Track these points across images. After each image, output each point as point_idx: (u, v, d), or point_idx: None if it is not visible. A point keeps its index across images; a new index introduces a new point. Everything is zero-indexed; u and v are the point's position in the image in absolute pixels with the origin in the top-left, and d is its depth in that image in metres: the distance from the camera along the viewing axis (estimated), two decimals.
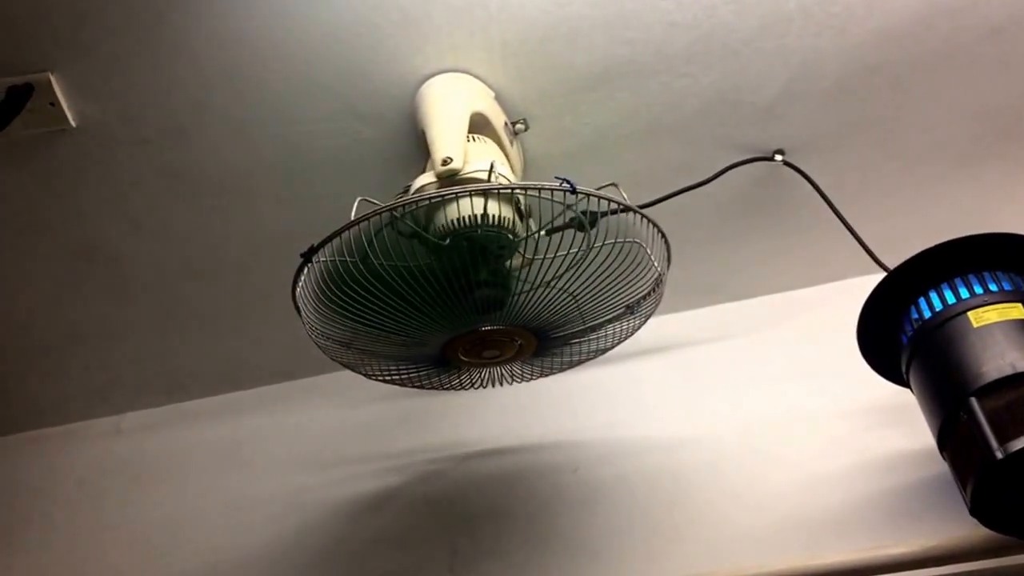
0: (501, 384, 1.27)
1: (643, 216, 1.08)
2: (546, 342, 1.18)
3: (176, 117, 1.31)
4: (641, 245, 1.09)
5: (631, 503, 1.38)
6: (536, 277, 1.07)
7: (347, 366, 1.19)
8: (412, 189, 1.13)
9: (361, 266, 1.03)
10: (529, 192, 1.05)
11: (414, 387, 1.24)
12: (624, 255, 1.08)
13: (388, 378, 1.22)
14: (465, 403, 1.38)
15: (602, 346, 1.25)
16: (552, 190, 1.03)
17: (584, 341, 1.22)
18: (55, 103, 1.28)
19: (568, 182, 1.03)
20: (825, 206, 1.35)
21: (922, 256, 1.17)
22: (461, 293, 1.06)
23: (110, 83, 1.28)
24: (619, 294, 1.13)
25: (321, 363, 1.20)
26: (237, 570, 1.46)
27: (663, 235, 1.10)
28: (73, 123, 1.30)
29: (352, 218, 1.02)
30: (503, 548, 1.38)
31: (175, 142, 1.33)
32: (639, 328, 1.23)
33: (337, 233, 1.03)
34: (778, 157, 1.37)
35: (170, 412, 1.69)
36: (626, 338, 1.24)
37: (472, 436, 1.49)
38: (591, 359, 1.27)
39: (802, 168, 1.36)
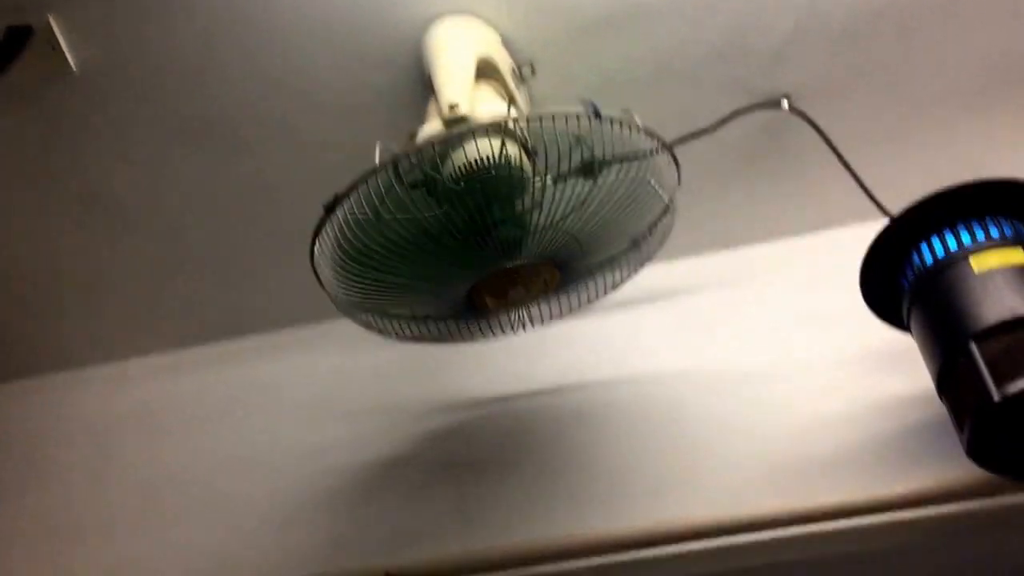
0: (522, 329, 1.27)
1: (661, 142, 1.08)
2: (569, 275, 1.18)
3: (180, 62, 1.30)
4: (649, 182, 1.10)
5: (633, 448, 1.39)
6: (552, 213, 1.07)
7: (368, 327, 1.20)
8: (419, 137, 1.12)
9: (392, 207, 1.02)
10: (556, 118, 1.03)
11: (433, 343, 1.24)
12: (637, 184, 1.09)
13: (410, 334, 1.22)
14: (471, 350, 1.38)
15: (622, 277, 1.25)
16: (577, 115, 1.02)
17: (604, 272, 1.22)
18: (56, 47, 1.26)
19: (594, 105, 1.02)
20: (830, 152, 1.35)
21: (925, 202, 1.18)
22: (481, 234, 1.06)
23: (112, 26, 1.27)
24: (635, 220, 1.14)
25: (328, 310, 1.19)
26: (243, 518, 1.46)
27: (675, 161, 1.11)
28: (75, 68, 1.29)
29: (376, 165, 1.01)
30: (510, 492, 1.39)
31: (179, 87, 1.32)
32: (654, 252, 1.23)
33: (364, 179, 1.01)
34: (784, 103, 1.37)
35: (176, 358, 1.68)
36: (644, 264, 1.24)
37: (478, 382, 1.50)
38: (613, 291, 1.27)
39: (808, 114, 1.36)
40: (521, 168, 1.07)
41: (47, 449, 1.63)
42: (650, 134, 1.07)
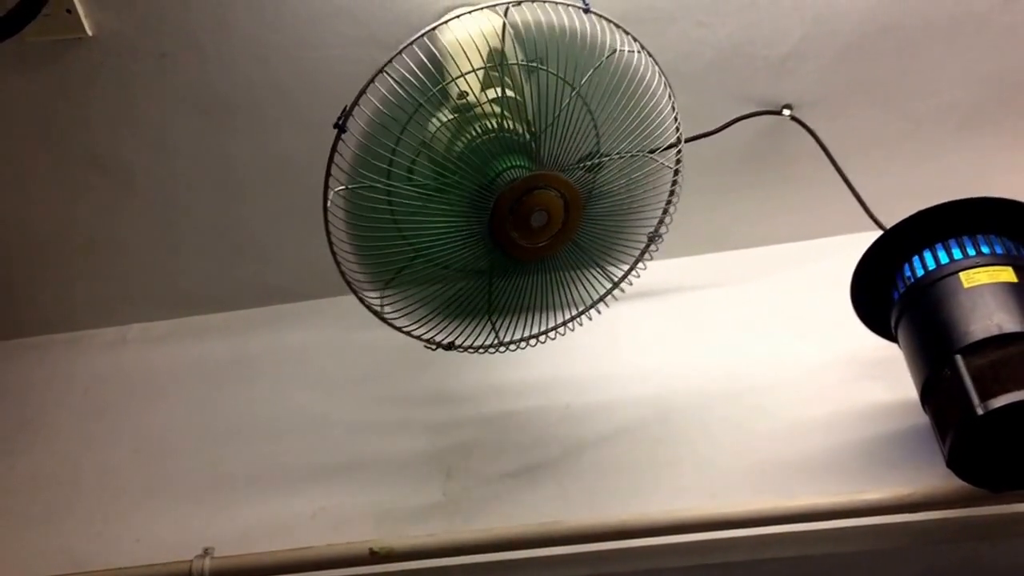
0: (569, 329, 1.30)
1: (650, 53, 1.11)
2: (585, 191, 1.18)
3: (194, 33, 1.30)
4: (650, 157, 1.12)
5: (618, 441, 1.42)
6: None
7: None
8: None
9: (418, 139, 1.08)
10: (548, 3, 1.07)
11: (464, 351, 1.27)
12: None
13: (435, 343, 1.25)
14: None
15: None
16: (569, 5, 1.07)
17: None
18: (72, 10, 1.26)
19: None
20: (827, 162, 1.38)
21: (918, 216, 1.21)
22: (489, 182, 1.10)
23: None
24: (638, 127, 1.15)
25: (327, 285, 1.21)
26: (235, 485, 1.48)
27: (668, 84, 1.12)
28: (90, 32, 1.28)
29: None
30: (494, 476, 1.41)
31: (191, 58, 1.32)
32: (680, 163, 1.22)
33: (367, 86, 1.05)
34: (785, 112, 1.39)
35: (176, 326, 1.69)
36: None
37: (471, 370, 1.50)
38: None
39: (808, 124, 1.39)
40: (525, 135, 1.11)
41: (43, 408, 1.63)
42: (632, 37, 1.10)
